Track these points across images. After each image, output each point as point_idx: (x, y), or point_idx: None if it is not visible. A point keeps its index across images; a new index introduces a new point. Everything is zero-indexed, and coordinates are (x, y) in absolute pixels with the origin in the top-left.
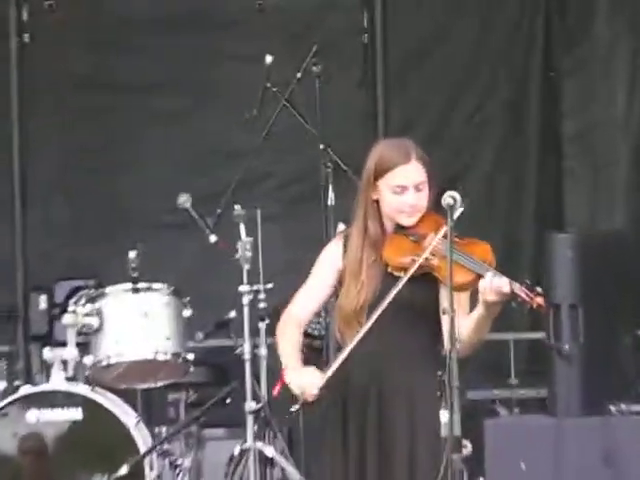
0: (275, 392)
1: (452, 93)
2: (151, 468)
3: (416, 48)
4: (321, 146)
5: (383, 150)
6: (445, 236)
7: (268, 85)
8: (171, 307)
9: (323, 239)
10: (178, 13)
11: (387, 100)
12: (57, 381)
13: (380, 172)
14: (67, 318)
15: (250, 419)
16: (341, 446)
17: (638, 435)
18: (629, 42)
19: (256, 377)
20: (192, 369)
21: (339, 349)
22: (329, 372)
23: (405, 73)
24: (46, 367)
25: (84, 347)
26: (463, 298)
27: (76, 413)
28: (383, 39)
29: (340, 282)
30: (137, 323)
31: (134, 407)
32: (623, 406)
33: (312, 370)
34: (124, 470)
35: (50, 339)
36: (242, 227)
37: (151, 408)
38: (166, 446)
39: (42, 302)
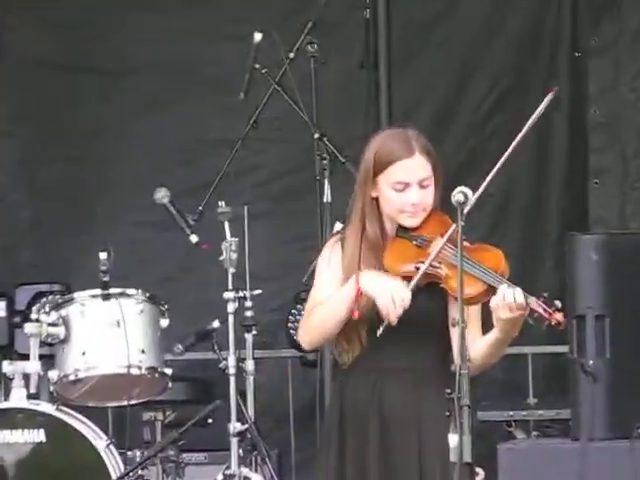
0: (356, 315)
1: (463, 75)
2: None
3: (423, 25)
4: (316, 135)
5: (383, 141)
6: (453, 240)
7: (257, 66)
8: (146, 315)
9: (318, 240)
10: None
11: (390, 83)
12: (18, 398)
13: (379, 166)
14: (29, 327)
15: (235, 442)
16: (339, 473)
17: None
18: None
19: (242, 395)
20: (170, 385)
21: (335, 365)
22: (412, 284)
23: (411, 52)
24: (5, 382)
25: (48, 360)
26: (473, 310)
27: (39, 435)
28: (386, 14)
29: None
30: (108, 333)
31: (104, 428)
32: None
33: (397, 281)
34: None
35: (10, 351)
36: (227, 226)
37: (124, 429)
38: (140, 472)
39: (1, 309)
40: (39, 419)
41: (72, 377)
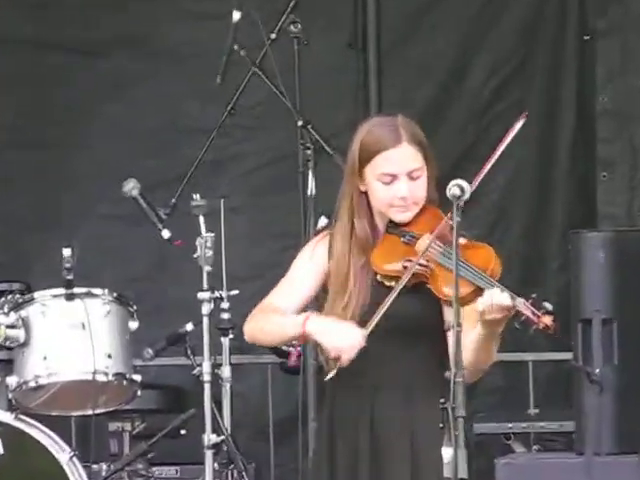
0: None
1: (461, 59)
2: None
3: (417, 3)
4: (300, 122)
5: (369, 130)
6: (443, 237)
7: (235, 48)
8: (114, 317)
9: (302, 237)
10: None
11: (381, 67)
12: None
13: (365, 157)
14: None
15: (209, 455)
16: None
17: None
18: None
19: (217, 403)
20: (139, 393)
21: (320, 370)
22: (370, 327)
23: (404, 33)
24: None
25: (7, 365)
26: (467, 311)
27: None
28: None
29: (324, 289)
30: (71, 336)
31: (67, 439)
32: None
33: (347, 324)
34: None
35: None
36: (202, 220)
37: (88, 440)
38: None
39: None
40: None
41: (32, 384)
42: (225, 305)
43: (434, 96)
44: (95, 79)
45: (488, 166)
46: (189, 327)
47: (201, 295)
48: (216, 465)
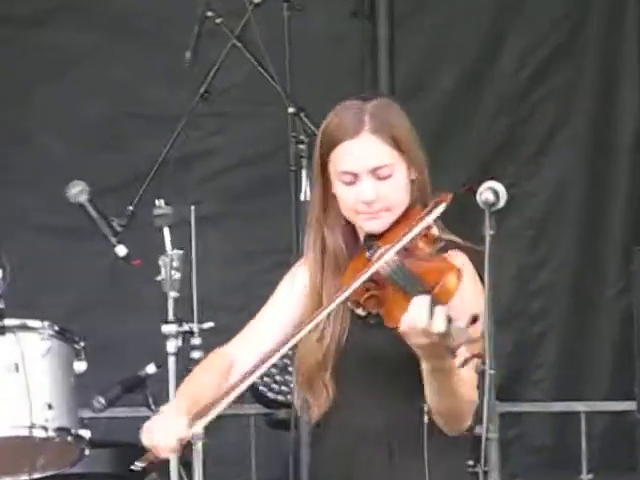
0: None
1: (492, 31)
2: None
3: None
4: (290, 109)
5: (333, 115)
6: (413, 248)
7: (209, 15)
8: (55, 356)
9: (293, 251)
10: None
11: (393, 39)
12: None
13: (325, 151)
14: None
15: None
16: None
17: None
18: None
19: (187, 465)
20: (87, 453)
21: (317, 425)
22: (206, 418)
23: None
24: None
25: None
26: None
27: None
28: None
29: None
30: (2, 381)
31: None
32: None
33: (177, 416)
34: None
35: None
36: (167, 233)
37: None
38: None
39: None
40: None
41: None
42: (196, 341)
43: (458, 77)
44: (33, 55)
45: None
46: (151, 369)
47: (166, 328)
48: None
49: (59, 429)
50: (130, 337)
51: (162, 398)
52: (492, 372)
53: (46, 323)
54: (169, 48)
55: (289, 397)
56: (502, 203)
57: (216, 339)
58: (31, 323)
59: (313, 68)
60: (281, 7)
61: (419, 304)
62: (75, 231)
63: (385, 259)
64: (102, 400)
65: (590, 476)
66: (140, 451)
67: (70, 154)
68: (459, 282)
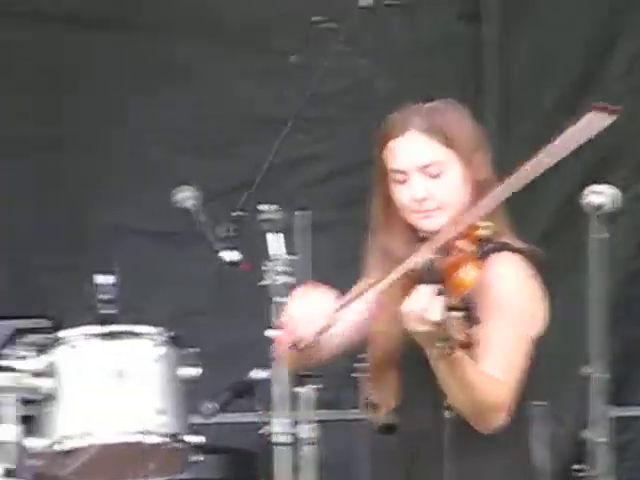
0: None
1: (605, 32)
2: None
3: None
4: None
5: (390, 116)
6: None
7: (316, 19)
8: (165, 363)
9: None
10: None
11: (503, 42)
12: None
13: (379, 152)
14: (5, 379)
15: None
16: None
17: None
18: None
19: (295, 470)
20: (198, 459)
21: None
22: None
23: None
24: None
25: (30, 423)
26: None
27: None
28: None
29: None
30: (110, 387)
31: None
32: None
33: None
34: None
35: None
36: (271, 238)
37: None
38: None
39: None
40: None
41: (61, 447)
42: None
43: (567, 80)
44: (137, 63)
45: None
46: (259, 374)
47: (270, 333)
48: None
49: (170, 435)
50: (238, 342)
51: (269, 403)
52: (601, 376)
53: (155, 329)
54: (274, 50)
55: None
56: (611, 206)
57: None
58: (139, 329)
59: (422, 71)
60: (388, 11)
61: (422, 291)
62: (183, 238)
63: (418, 256)
64: (212, 406)
65: None
66: (250, 456)
67: (174, 161)
68: (473, 278)
